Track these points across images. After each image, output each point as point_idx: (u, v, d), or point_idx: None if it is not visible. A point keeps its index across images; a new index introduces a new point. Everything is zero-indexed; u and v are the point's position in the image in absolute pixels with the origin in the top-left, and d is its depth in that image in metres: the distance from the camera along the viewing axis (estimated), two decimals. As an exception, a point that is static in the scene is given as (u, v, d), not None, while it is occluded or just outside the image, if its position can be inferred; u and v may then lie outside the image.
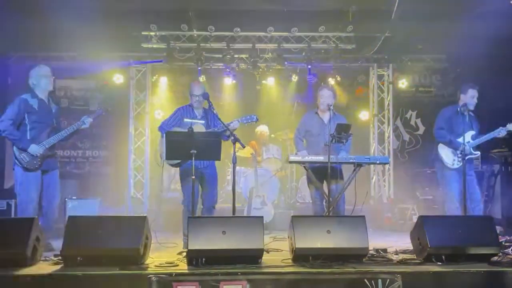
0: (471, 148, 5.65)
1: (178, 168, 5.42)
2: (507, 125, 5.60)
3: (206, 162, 5.37)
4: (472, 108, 5.76)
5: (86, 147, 9.51)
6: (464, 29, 7.27)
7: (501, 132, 5.64)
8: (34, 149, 5.01)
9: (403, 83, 9.40)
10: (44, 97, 5.22)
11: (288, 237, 4.35)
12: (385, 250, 4.68)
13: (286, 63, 8.82)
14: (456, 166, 5.67)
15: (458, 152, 5.62)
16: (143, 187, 8.69)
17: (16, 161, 5.00)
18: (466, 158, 5.43)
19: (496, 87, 7.53)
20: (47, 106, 5.23)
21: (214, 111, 5.26)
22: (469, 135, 5.66)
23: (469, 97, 5.77)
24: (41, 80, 5.17)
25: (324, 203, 5.48)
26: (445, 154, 5.79)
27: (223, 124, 5.16)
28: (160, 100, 9.42)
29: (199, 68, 8.64)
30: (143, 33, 8.21)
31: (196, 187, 5.04)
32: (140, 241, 3.96)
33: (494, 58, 7.87)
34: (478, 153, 5.74)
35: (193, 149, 4.65)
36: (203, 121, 5.42)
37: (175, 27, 8.19)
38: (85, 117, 5.28)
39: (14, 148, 5.02)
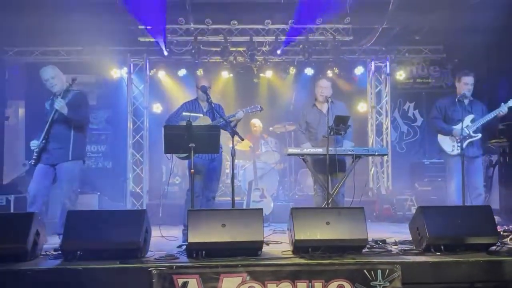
0: (471, 131, 5.58)
1: (176, 163, 5.43)
2: (508, 101, 5.51)
3: (213, 156, 5.37)
4: (468, 94, 5.68)
5: (85, 142, 9.48)
6: (461, 19, 7.26)
7: (502, 109, 5.53)
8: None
9: (400, 75, 9.43)
10: (57, 94, 5.18)
11: (288, 229, 4.37)
12: (384, 241, 4.69)
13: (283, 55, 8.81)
14: (456, 152, 5.61)
15: (457, 137, 5.61)
16: (142, 182, 8.68)
17: None
18: (467, 141, 5.49)
19: (492, 76, 7.54)
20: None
21: (213, 104, 5.28)
22: (468, 119, 5.62)
23: (463, 84, 5.71)
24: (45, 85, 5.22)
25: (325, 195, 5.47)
26: (444, 141, 5.78)
27: (222, 117, 5.18)
28: (158, 94, 9.41)
29: (196, 61, 8.61)
30: (140, 27, 8.17)
31: (199, 182, 5.10)
32: (140, 234, 3.97)
33: (491, 47, 7.86)
34: (479, 134, 5.61)
35: (191, 143, 4.62)
36: (201, 114, 5.42)
37: (172, 21, 8.16)
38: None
39: None
